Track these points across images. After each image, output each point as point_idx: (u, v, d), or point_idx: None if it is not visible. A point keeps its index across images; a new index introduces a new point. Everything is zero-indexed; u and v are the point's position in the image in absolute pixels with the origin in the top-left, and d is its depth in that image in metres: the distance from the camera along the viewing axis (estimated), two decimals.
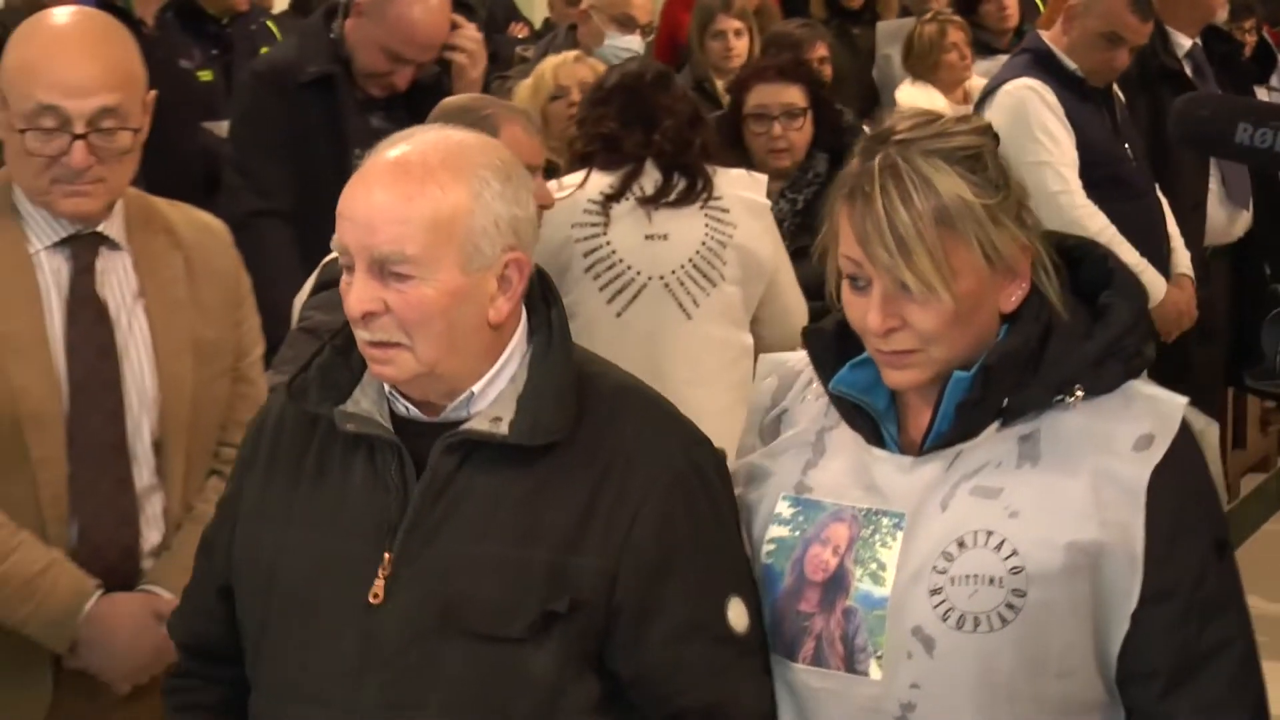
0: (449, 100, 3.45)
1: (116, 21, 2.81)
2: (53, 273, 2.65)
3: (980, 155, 1.87)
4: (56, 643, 2.62)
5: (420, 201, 1.88)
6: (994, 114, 4.72)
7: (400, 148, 1.93)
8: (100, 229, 2.66)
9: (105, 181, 2.56)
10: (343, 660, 1.94)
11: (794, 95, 4.50)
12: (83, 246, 2.66)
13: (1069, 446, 1.87)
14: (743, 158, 4.33)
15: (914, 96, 6.46)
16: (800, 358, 2.07)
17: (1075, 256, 1.97)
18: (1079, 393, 1.88)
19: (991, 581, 1.84)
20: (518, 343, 2.01)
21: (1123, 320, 1.90)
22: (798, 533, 1.97)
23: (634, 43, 5.92)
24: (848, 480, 1.95)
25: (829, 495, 1.96)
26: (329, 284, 2.81)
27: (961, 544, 1.86)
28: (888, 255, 1.82)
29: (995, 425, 1.89)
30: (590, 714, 1.94)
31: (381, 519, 1.96)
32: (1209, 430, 1.95)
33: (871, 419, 1.95)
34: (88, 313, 2.66)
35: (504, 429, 1.93)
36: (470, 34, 4.43)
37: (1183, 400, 1.90)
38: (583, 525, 1.93)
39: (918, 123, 1.90)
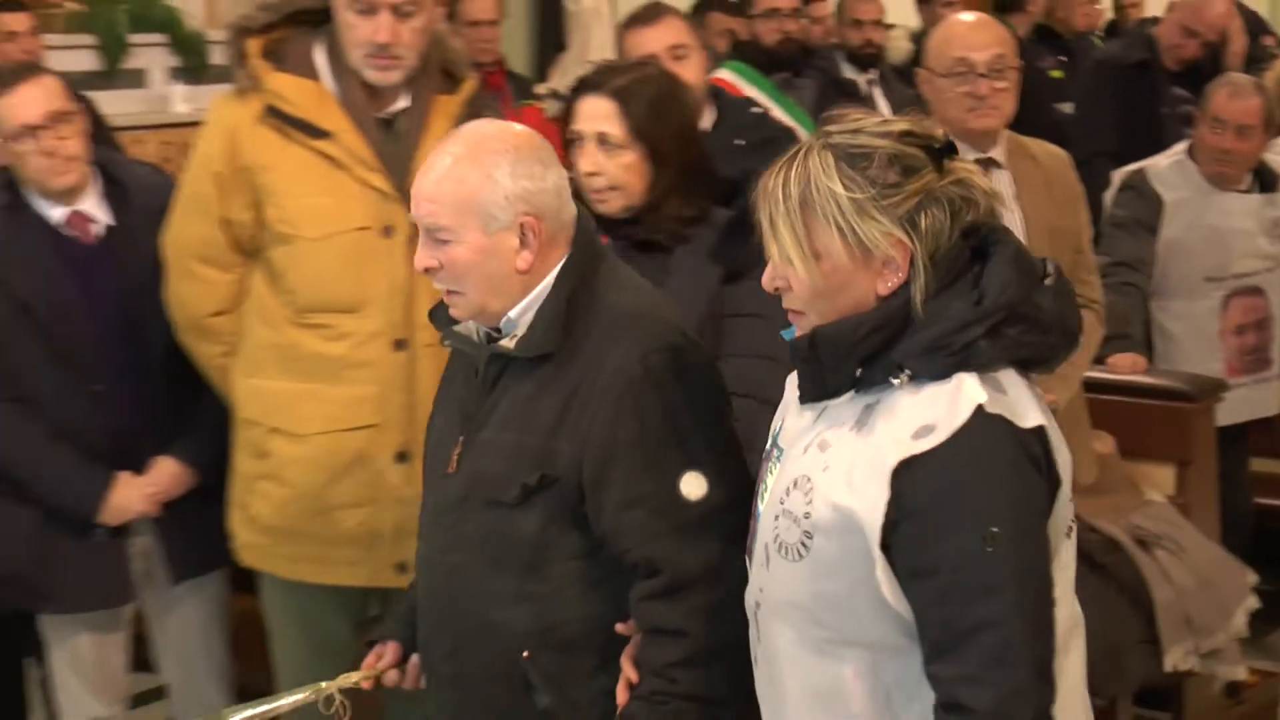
0: None
1: None
2: None
3: (871, 155, 2.11)
4: None
5: (446, 184, 2.53)
6: None
7: (444, 144, 2.61)
8: (990, 154, 3.77)
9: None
10: (434, 508, 2.72)
11: None
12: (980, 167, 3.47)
13: (886, 421, 2.13)
14: None
15: None
16: None
17: (984, 252, 2.19)
18: (905, 375, 2.12)
19: (795, 521, 2.18)
20: (549, 279, 2.59)
21: (954, 318, 2.11)
22: (767, 446, 2.42)
23: None
24: (788, 416, 2.37)
25: (780, 429, 2.39)
26: None
27: (795, 484, 2.20)
28: (768, 230, 2.18)
29: (853, 392, 2.17)
30: (574, 560, 2.58)
31: (465, 410, 2.67)
32: (1035, 428, 2.14)
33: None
34: None
35: (513, 344, 2.57)
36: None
37: (980, 396, 2.08)
38: (561, 419, 2.54)
39: (847, 123, 2.19)
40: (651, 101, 3.17)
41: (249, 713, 2.80)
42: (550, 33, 9.11)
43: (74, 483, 3.62)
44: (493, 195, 2.53)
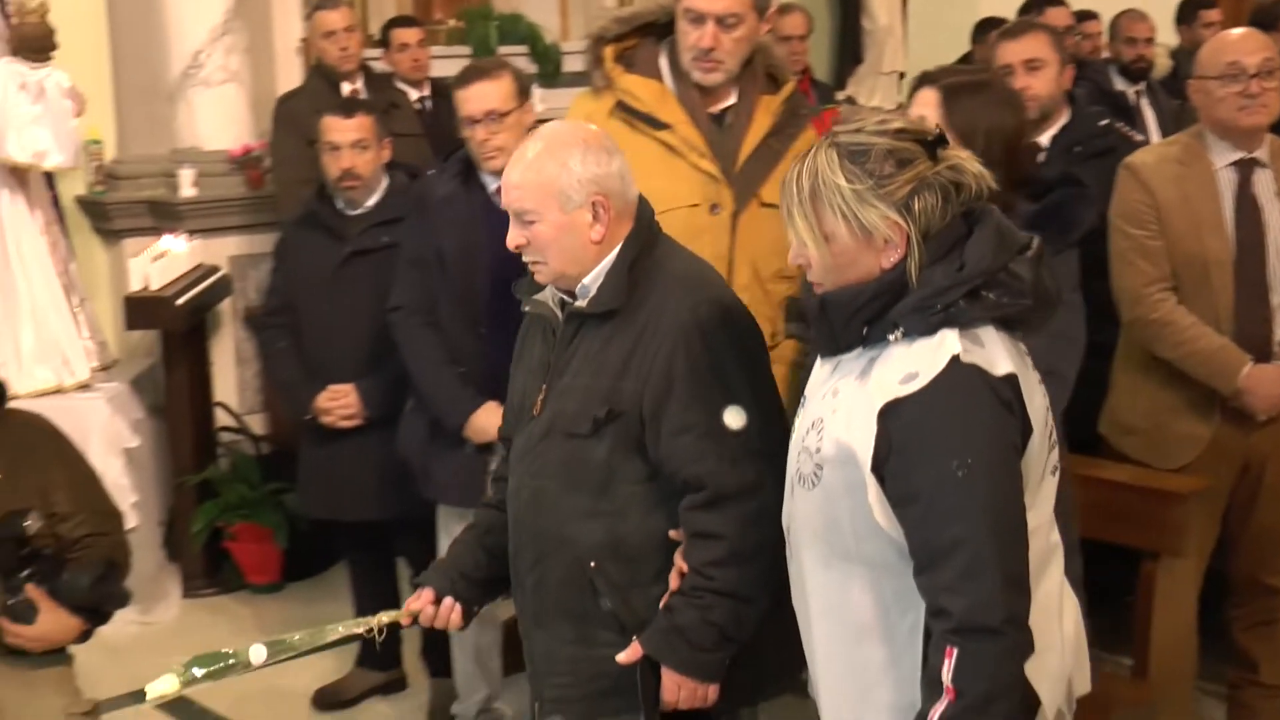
0: None
1: None
2: (1226, 181, 4.09)
3: (869, 151, 2.41)
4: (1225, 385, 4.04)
5: (528, 174, 2.95)
6: None
7: (526, 142, 3.03)
8: (1255, 154, 4.08)
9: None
10: (522, 445, 3.10)
11: None
12: (1245, 165, 4.08)
13: (880, 370, 2.43)
14: None
15: None
16: None
17: (973, 223, 2.47)
18: (899, 332, 2.42)
19: (810, 455, 2.51)
20: (619, 249, 2.99)
21: (938, 283, 2.40)
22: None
23: None
24: (816, 369, 2.64)
25: (810, 381, 2.66)
26: None
27: (813, 425, 2.53)
28: (786, 218, 2.49)
29: (860, 347, 2.48)
30: (637, 484, 2.99)
31: (545, 363, 3.07)
32: (1009, 375, 2.41)
33: None
34: (1246, 202, 4.08)
35: (585, 304, 2.98)
36: None
37: (956, 348, 2.38)
38: (626, 363, 2.94)
39: (854, 123, 2.50)
40: (974, 101, 3.27)
41: (311, 643, 3.05)
42: (849, 47, 9.44)
43: (449, 400, 4.19)
44: (568, 179, 2.92)
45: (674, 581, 2.97)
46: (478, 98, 4.28)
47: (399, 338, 4.35)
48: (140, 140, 6.82)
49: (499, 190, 4.22)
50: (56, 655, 4.07)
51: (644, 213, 3.06)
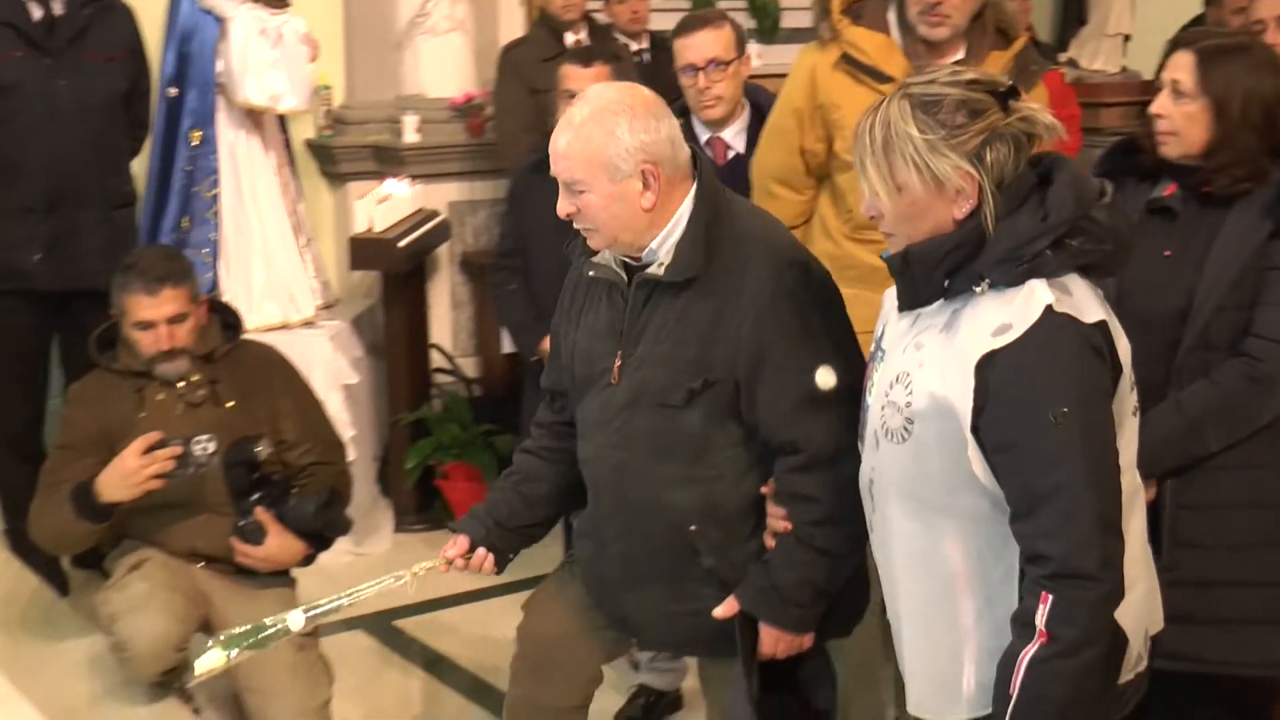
0: None
1: None
2: None
3: (940, 102, 2.45)
4: None
5: (575, 144, 2.91)
6: None
7: (572, 108, 2.98)
8: None
9: None
10: (598, 413, 3.09)
11: None
12: None
13: (970, 323, 2.47)
14: None
15: None
16: None
17: (1048, 177, 2.51)
18: (985, 284, 2.46)
19: (898, 409, 2.55)
20: (684, 210, 2.97)
21: (1023, 232, 2.44)
22: (871, 350, 2.76)
23: None
24: (889, 325, 2.70)
25: (883, 335, 2.72)
26: None
27: (897, 379, 2.57)
28: (860, 169, 2.54)
29: (942, 300, 2.52)
30: (734, 448, 3.01)
31: (616, 329, 3.05)
32: (1095, 324, 2.47)
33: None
34: None
35: (661, 271, 2.94)
36: None
37: (1048, 298, 2.41)
38: (713, 330, 2.92)
39: (925, 75, 2.54)
40: (1230, 63, 3.17)
41: (350, 598, 3.10)
42: (1074, 8, 9.23)
43: (524, 331, 4.45)
44: (616, 149, 2.88)
45: (769, 541, 3.02)
46: (700, 46, 4.33)
47: None
48: (367, 86, 6.96)
49: (710, 140, 4.31)
50: (281, 577, 4.26)
51: (705, 172, 3.04)
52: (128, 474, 3.93)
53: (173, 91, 6.05)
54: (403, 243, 6.11)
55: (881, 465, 2.62)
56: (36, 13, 5.07)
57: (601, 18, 6.90)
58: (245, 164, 6.03)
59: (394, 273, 6.20)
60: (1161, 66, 3.31)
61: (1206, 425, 3.18)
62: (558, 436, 3.35)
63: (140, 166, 5.72)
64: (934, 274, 2.51)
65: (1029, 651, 2.41)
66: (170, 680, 4.07)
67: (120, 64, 5.30)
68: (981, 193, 2.46)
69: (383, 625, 5.25)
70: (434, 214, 6.62)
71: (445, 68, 6.88)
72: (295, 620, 2.80)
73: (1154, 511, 3.23)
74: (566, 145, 2.94)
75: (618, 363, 3.03)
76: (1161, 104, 3.21)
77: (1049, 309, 2.41)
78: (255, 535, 4.10)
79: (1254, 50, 3.28)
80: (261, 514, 4.09)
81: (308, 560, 4.26)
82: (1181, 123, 3.20)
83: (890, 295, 2.73)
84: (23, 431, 5.24)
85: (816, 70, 3.81)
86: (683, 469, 3.01)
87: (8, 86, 5.04)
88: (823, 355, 2.93)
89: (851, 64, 3.76)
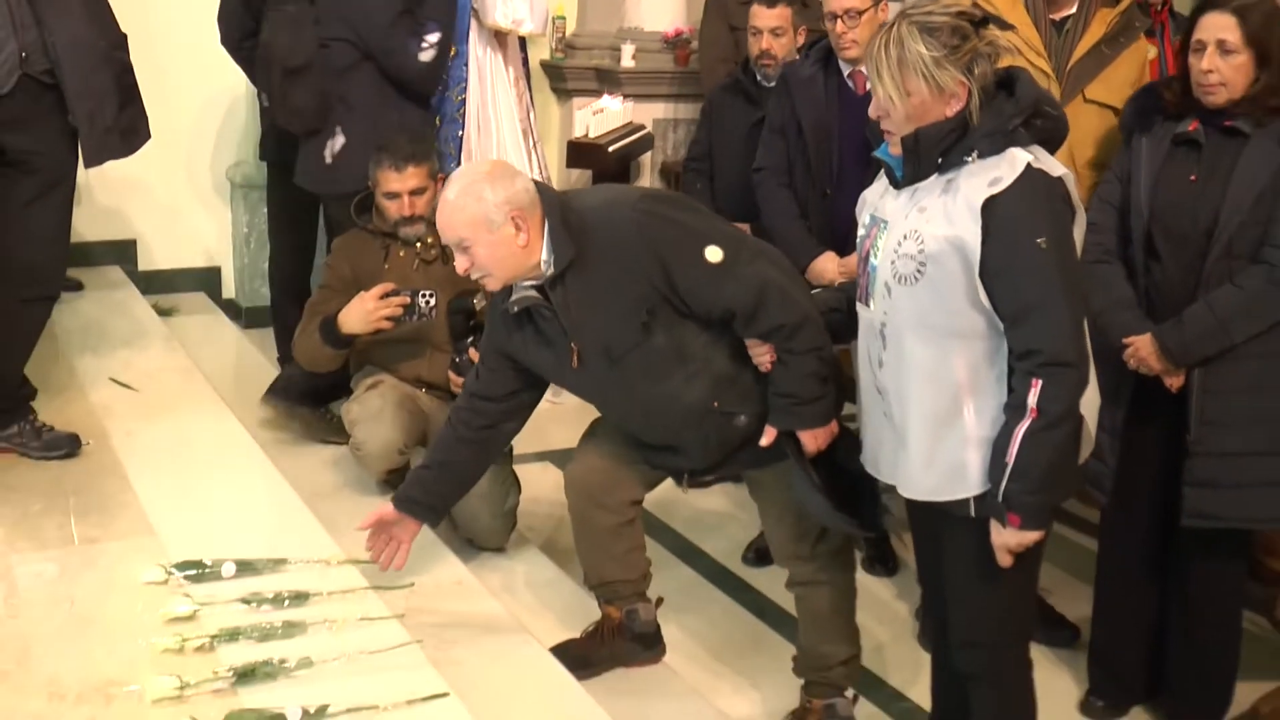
0: None
1: None
2: None
3: (941, 28, 2.68)
4: None
5: (455, 215, 3.08)
6: None
7: (445, 189, 3.14)
8: None
9: None
10: (594, 389, 3.30)
11: None
12: None
13: (963, 184, 2.70)
14: None
15: None
16: None
17: (1008, 81, 2.77)
18: (975, 155, 2.71)
19: (911, 257, 2.74)
20: (545, 224, 3.10)
21: (1004, 113, 2.72)
22: (865, 232, 2.92)
23: None
24: (881, 205, 2.87)
25: (877, 213, 2.88)
26: None
27: (905, 237, 2.76)
28: (876, 79, 2.74)
29: (936, 174, 2.75)
30: (699, 335, 3.12)
31: (558, 331, 3.17)
32: (1061, 175, 2.74)
33: (891, 170, 2.85)
34: None
35: (550, 270, 3.10)
36: None
37: (1028, 158, 2.68)
38: (622, 277, 3.05)
39: (925, 7, 2.72)
40: (1264, 16, 3.21)
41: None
42: None
43: (797, 247, 4.20)
44: (485, 209, 3.04)
45: (765, 366, 3.14)
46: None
47: (760, 194, 4.44)
48: (595, 18, 7.10)
49: (851, 74, 4.36)
50: None
51: (544, 189, 3.18)
52: (365, 313, 4.17)
53: None
54: (612, 148, 6.22)
55: (895, 307, 2.80)
56: None
57: None
58: (490, 76, 6.19)
59: (603, 172, 6.28)
60: (1192, 28, 3.30)
61: (1234, 321, 3.24)
62: (476, 414, 3.47)
63: None
64: (932, 153, 2.73)
65: (1022, 426, 2.67)
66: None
67: None
68: (970, 96, 2.70)
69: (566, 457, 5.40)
70: (640, 127, 6.71)
71: (661, 5, 6.99)
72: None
73: (1182, 396, 3.36)
74: (447, 218, 3.11)
75: (575, 352, 3.17)
76: (1211, 60, 3.23)
77: (1029, 165, 2.68)
78: (468, 368, 4.20)
79: (1271, 2, 3.28)
80: (473, 352, 4.23)
81: None
82: (1229, 74, 3.23)
83: (871, 191, 2.98)
84: (296, 278, 5.56)
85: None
86: (679, 374, 3.16)
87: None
88: (704, 239, 3.08)
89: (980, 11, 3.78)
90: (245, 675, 2.80)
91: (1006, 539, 2.75)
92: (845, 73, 4.33)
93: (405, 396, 4.32)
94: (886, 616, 4.29)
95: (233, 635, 2.95)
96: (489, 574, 3.97)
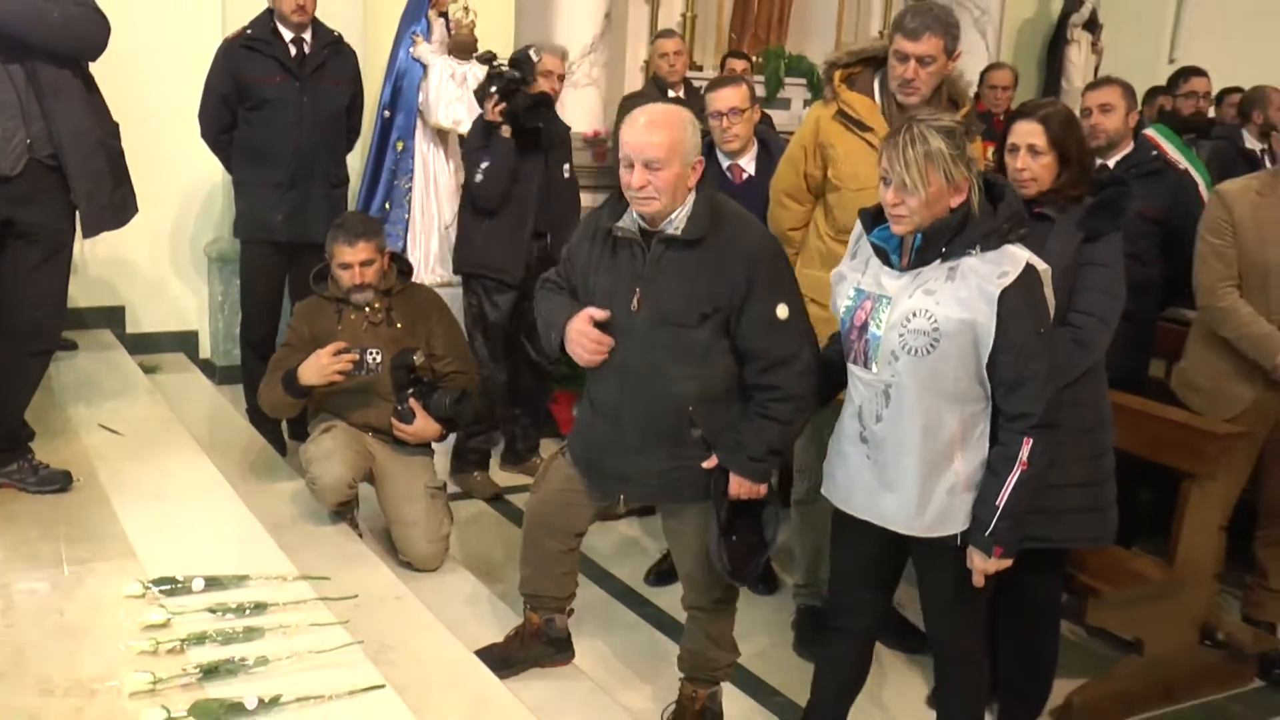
0: None
1: None
2: None
3: (953, 131, 2.81)
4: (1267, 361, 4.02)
5: (668, 134, 3.00)
6: None
7: (652, 112, 3.04)
8: None
9: None
10: (624, 332, 3.13)
11: None
12: None
13: (970, 275, 2.80)
14: None
15: None
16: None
17: (992, 186, 2.90)
18: (977, 249, 2.81)
19: (924, 333, 2.81)
20: (691, 195, 3.08)
21: (1001, 216, 2.84)
22: (854, 303, 2.97)
23: None
24: (875, 282, 2.92)
25: (868, 288, 2.93)
26: None
27: (914, 314, 2.83)
28: (903, 169, 2.79)
29: (939, 261, 2.84)
30: (724, 354, 3.10)
31: (636, 273, 3.11)
32: (1044, 270, 2.87)
33: (886, 253, 2.92)
34: None
35: (679, 232, 3.05)
36: None
37: (1027, 255, 2.82)
38: (718, 272, 3.04)
39: (927, 114, 2.85)
40: (1063, 123, 3.36)
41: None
42: (1050, 94, 9.31)
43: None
44: (687, 144, 3.02)
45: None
46: (725, 98, 4.42)
47: None
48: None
49: (730, 167, 4.47)
50: (423, 449, 4.49)
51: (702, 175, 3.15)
52: (320, 368, 4.22)
53: (387, 114, 6.41)
54: None
55: (902, 373, 2.87)
56: (293, 51, 5.40)
57: (700, 82, 7.12)
58: (432, 168, 6.34)
59: None
60: (1006, 134, 3.44)
61: None
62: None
63: (353, 160, 5.92)
64: (938, 243, 2.83)
65: (1014, 476, 2.85)
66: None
67: (344, 88, 5.55)
68: (971, 189, 2.83)
69: (497, 499, 5.42)
70: None
71: (582, 111, 7.05)
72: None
73: None
74: (660, 135, 3.00)
75: (637, 296, 3.12)
76: (1023, 160, 3.37)
77: (1028, 263, 2.82)
78: (408, 416, 4.33)
79: (1065, 111, 3.44)
80: (413, 402, 4.33)
81: (443, 438, 4.47)
82: (1038, 171, 3.37)
83: (847, 268, 3.03)
84: (264, 340, 5.58)
85: (820, 119, 3.89)
86: (691, 368, 3.12)
87: (270, 100, 5.35)
88: (782, 296, 3.12)
89: (844, 117, 3.84)
90: (210, 672, 2.83)
91: (988, 566, 2.92)
92: (725, 165, 4.44)
93: (354, 439, 4.37)
94: (769, 627, 4.39)
95: (200, 639, 2.98)
96: (423, 590, 4.00)
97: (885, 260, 2.94)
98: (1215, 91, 7.50)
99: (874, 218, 2.99)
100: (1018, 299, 2.79)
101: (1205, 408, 4.21)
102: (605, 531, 5.14)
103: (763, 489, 3.22)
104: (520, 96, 5.06)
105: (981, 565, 2.94)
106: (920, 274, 2.88)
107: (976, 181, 2.85)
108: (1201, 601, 4.07)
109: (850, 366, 3.01)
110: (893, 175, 2.84)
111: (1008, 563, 2.92)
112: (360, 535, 4.38)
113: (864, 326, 2.94)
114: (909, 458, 2.92)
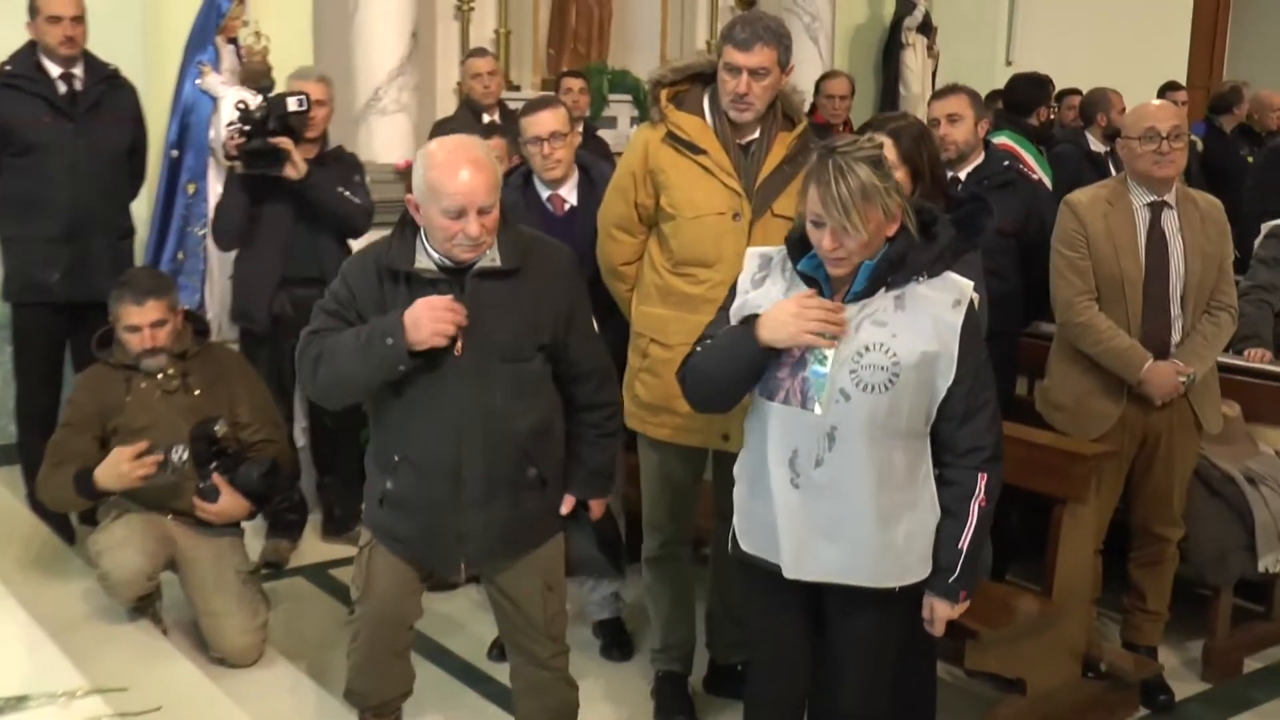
0: None
1: None
2: (1142, 217, 4.06)
3: (880, 160, 2.76)
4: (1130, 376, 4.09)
5: (491, 179, 2.99)
6: None
7: (465, 152, 3.00)
8: (1165, 198, 4.06)
9: None
10: (451, 379, 3.06)
11: None
12: (1156, 206, 4.07)
13: (919, 303, 2.80)
14: None
15: None
16: (776, 250, 2.99)
17: (923, 213, 2.89)
18: (924, 276, 2.81)
19: (881, 368, 2.77)
20: (503, 231, 3.10)
21: (941, 244, 2.84)
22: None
23: None
24: None
25: None
26: None
27: (867, 348, 2.78)
28: (838, 213, 2.71)
29: (883, 290, 2.81)
30: (551, 384, 3.21)
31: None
32: (979, 299, 2.94)
33: (817, 283, 2.86)
34: (1156, 235, 4.05)
35: (499, 263, 3.07)
36: None
37: (967, 283, 2.84)
38: (542, 300, 3.12)
39: (852, 142, 2.78)
40: (913, 138, 3.42)
41: None
42: (888, 108, 9.36)
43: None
44: (499, 179, 3.05)
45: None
46: (544, 122, 4.31)
47: None
48: None
49: (550, 197, 4.36)
50: (232, 528, 4.30)
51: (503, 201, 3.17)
52: (121, 474, 4.00)
53: (175, 153, 6.15)
54: None
55: (852, 412, 2.78)
56: (62, 88, 5.15)
57: (515, 103, 7.02)
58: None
59: None
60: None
61: None
62: None
63: (139, 208, 5.71)
64: (883, 273, 2.81)
65: (973, 516, 2.87)
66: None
67: (125, 128, 5.33)
68: (906, 215, 2.81)
69: (319, 574, 5.27)
70: None
71: (392, 139, 6.96)
72: None
73: None
74: (483, 181, 2.99)
75: (460, 339, 3.04)
76: None
77: (972, 290, 2.87)
78: (212, 495, 4.14)
79: (916, 125, 3.49)
80: (217, 478, 4.14)
81: (252, 515, 4.30)
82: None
83: (756, 294, 2.95)
84: (44, 415, 5.23)
85: (649, 144, 3.82)
86: (529, 402, 3.15)
87: (39, 144, 5.09)
88: (589, 309, 3.34)
89: (675, 139, 3.76)
90: None
91: (952, 613, 2.94)
92: (544, 195, 4.34)
93: (151, 523, 4.17)
94: (627, 696, 4.27)
95: None
96: (239, 687, 3.82)
97: (821, 293, 2.85)
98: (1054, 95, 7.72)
99: (800, 245, 2.89)
100: (971, 328, 2.82)
101: (1070, 427, 4.23)
102: (432, 605, 4.94)
103: (608, 500, 3.46)
104: (255, 140, 4.87)
105: (944, 614, 2.92)
106: (866, 305, 2.82)
107: (910, 207, 2.84)
108: (1081, 632, 4.08)
109: (774, 407, 2.86)
110: (828, 219, 2.74)
111: (966, 605, 2.94)
112: (165, 631, 4.18)
113: (800, 363, 2.83)
114: (862, 504, 2.82)
